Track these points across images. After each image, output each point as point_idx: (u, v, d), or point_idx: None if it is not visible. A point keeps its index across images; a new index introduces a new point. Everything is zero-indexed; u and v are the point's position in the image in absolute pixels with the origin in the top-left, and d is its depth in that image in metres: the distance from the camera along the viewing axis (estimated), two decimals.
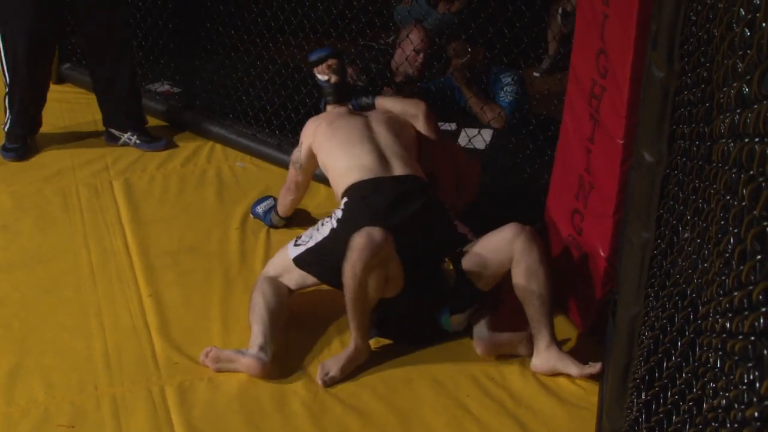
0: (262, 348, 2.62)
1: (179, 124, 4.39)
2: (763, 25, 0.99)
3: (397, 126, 3.11)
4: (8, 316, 2.88)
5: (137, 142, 4.15)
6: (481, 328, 2.77)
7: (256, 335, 2.66)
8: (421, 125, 3.20)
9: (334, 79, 3.25)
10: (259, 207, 3.52)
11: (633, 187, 1.97)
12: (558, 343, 2.67)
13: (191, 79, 4.71)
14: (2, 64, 3.94)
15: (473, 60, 4.21)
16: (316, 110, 3.95)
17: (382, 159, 2.91)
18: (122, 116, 4.15)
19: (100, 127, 4.23)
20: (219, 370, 2.64)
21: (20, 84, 3.93)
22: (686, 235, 1.58)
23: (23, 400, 2.50)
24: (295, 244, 2.87)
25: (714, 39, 1.39)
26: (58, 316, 2.89)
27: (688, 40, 1.70)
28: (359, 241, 2.54)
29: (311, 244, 2.82)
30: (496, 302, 2.85)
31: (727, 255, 1.17)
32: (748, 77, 1.07)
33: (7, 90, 4.00)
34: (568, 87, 2.89)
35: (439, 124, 4.17)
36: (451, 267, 2.74)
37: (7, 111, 4.01)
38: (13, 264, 3.19)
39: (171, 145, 4.19)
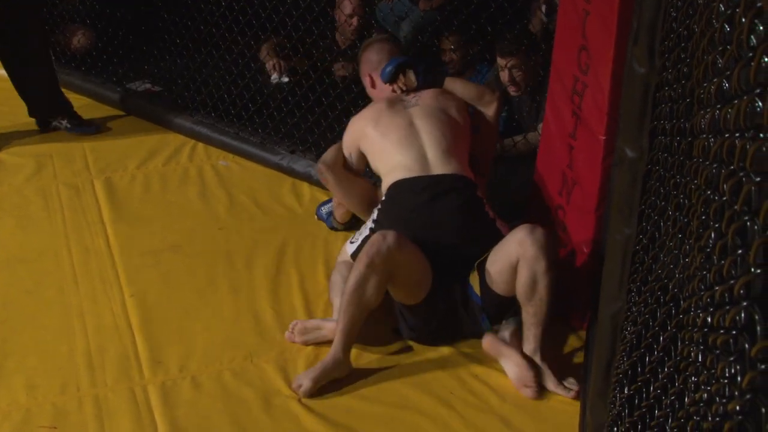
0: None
1: (160, 123, 4.37)
2: (743, 20, 0.99)
3: (444, 118, 3.02)
4: None
5: (68, 126, 4.26)
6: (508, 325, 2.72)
7: (338, 306, 2.67)
8: (492, 112, 3.18)
9: (411, 82, 3.16)
10: (323, 208, 3.47)
11: (615, 183, 1.98)
12: (543, 354, 2.61)
13: (172, 78, 4.69)
14: None
15: (467, 53, 4.23)
16: (298, 108, 3.95)
17: (422, 158, 2.89)
18: (45, 103, 4.25)
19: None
20: (306, 343, 2.73)
21: None
22: (668, 230, 1.59)
23: (4, 402, 2.48)
24: (351, 242, 2.94)
25: (694, 35, 1.40)
26: (39, 317, 2.87)
27: (668, 36, 1.71)
28: (371, 240, 2.56)
29: (359, 242, 2.86)
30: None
31: (708, 250, 1.17)
32: (728, 73, 1.08)
33: None
34: (549, 83, 2.90)
35: None
36: (476, 274, 2.70)
37: None
38: None
39: (103, 128, 4.31)
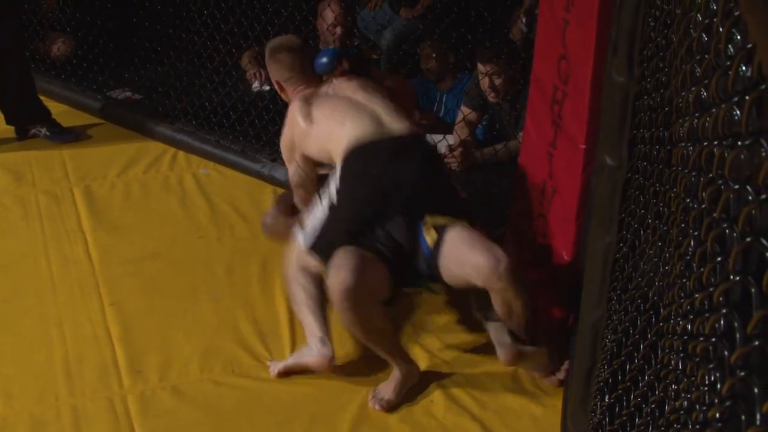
0: (322, 340, 2.61)
1: (141, 131, 4.35)
2: (720, 30, 1.00)
3: (376, 87, 2.96)
4: None
5: (47, 133, 4.24)
6: (502, 334, 2.59)
7: (312, 328, 2.64)
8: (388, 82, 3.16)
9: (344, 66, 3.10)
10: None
11: (595, 192, 1.99)
12: (536, 343, 2.58)
13: (153, 86, 4.67)
14: None
15: (446, 61, 4.25)
16: (280, 116, 3.94)
17: (376, 121, 2.77)
18: (23, 111, 4.23)
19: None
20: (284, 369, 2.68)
21: None
22: (648, 238, 1.60)
23: None
24: (301, 231, 2.77)
25: (672, 44, 1.41)
26: (17, 325, 2.85)
27: (647, 45, 1.72)
28: (334, 290, 2.39)
29: (318, 227, 2.69)
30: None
31: (687, 258, 1.18)
32: (706, 82, 1.09)
33: None
34: (530, 92, 2.90)
35: None
36: (433, 234, 2.56)
37: None
38: None
39: (82, 136, 4.29)
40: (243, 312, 2.95)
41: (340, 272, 2.39)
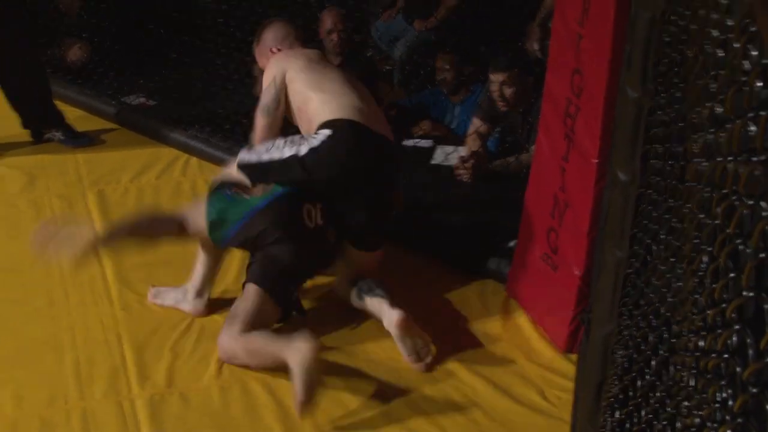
0: (198, 292, 2.96)
1: (154, 137, 4.37)
2: (736, 45, 1.00)
3: (360, 84, 3.04)
4: None
5: (61, 137, 4.28)
6: (386, 303, 2.77)
7: (195, 279, 2.96)
8: None
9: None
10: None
11: (607, 206, 1.98)
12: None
13: (167, 92, 4.69)
14: None
15: (461, 73, 4.26)
16: (290, 124, 3.96)
17: (368, 110, 2.86)
18: (39, 115, 4.28)
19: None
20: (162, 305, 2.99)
21: None
22: (660, 253, 1.60)
23: None
24: (247, 150, 2.91)
25: (687, 59, 1.41)
26: (29, 328, 2.86)
27: (661, 60, 1.72)
28: (222, 355, 2.71)
29: (265, 157, 2.80)
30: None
31: (700, 273, 1.18)
32: (721, 97, 1.09)
33: None
34: (543, 106, 2.91)
35: (415, 141, 4.22)
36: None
37: None
38: None
39: (96, 141, 4.33)
40: None
41: (222, 345, 2.68)
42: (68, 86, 4.84)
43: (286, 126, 3.03)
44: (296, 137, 2.83)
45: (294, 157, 2.74)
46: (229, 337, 2.64)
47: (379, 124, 2.88)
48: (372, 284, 2.86)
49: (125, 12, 5.01)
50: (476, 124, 3.99)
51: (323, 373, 2.49)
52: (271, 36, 3.12)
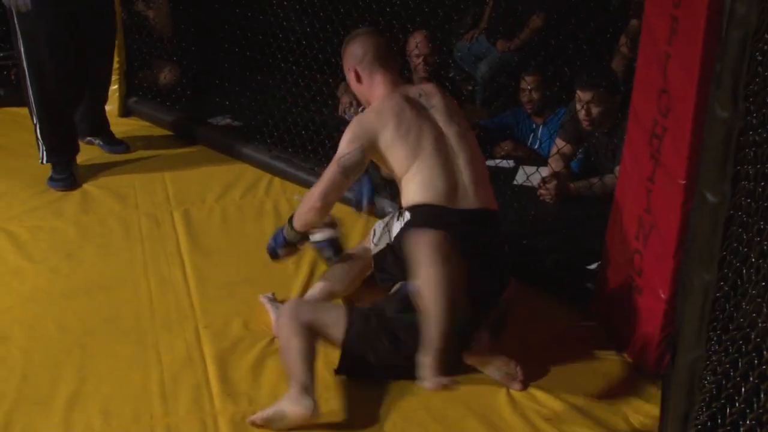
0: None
1: (239, 157, 4.47)
2: None
3: (463, 128, 2.87)
4: (69, 343, 2.92)
5: (101, 143, 4.53)
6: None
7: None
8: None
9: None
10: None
11: (694, 228, 1.94)
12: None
13: (252, 113, 4.78)
14: (29, 94, 4.07)
15: (545, 94, 4.24)
16: None
17: (455, 185, 2.75)
18: (89, 120, 4.48)
19: (154, 152, 4.59)
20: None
21: (51, 111, 4.10)
22: (751, 277, 1.55)
23: (80, 427, 2.53)
24: (374, 243, 2.92)
25: None
26: (116, 345, 2.93)
27: (753, 79, 1.68)
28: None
29: (379, 247, 2.88)
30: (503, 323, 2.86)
31: None
32: None
33: (36, 122, 4.13)
34: (628, 126, 2.86)
35: (496, 161, 4.20)
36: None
37: (40, 143, 4.15)
38: (75, 291, 3.25)
39: (132, 149, 4.56)
40: None
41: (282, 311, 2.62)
42: (157, 107, 4.99)
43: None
44: (394, 224, 2.83)
45: (389, 246, 2.83)
46: (289, 319, 2.58)
47: (468, 197, 2.76)
48: None
49: (213, 35, 5.14)
50: (559, 144, 3.96)
51: None
52: (350, 53, 2.96)
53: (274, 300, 3.11)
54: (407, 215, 2.76)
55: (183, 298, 3.22)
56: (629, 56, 4.26)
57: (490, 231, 2.83)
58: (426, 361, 2.39)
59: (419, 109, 2.86)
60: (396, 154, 2.80)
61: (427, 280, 2.48)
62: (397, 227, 2.80)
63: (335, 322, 2.66)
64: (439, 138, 2.82)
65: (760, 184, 1.54)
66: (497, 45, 5.15)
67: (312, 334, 2.61)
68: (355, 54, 2.94)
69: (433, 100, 2.91)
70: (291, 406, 2.46)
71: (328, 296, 3.00)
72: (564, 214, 3.69)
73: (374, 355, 2.67)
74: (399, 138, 2.79)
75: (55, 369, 2.78)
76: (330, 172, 2.84)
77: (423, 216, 2.71)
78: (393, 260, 2.81)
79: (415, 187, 2.77)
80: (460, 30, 5.53)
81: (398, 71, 3.00)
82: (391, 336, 2.66)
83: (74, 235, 3.68)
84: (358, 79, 2.96)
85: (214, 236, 3.70)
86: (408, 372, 2.51)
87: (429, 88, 2.98)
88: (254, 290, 3.26)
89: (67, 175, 4.14)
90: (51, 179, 4.13)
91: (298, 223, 2.95)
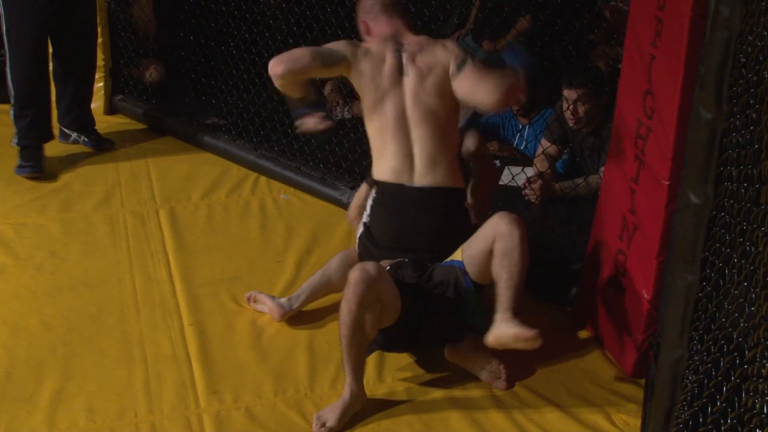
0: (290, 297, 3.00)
1: (225, 156, 4.46)
2: None
3: (435, 105, 2.83)
4: (53, 340, 2.91)
5: (86, 141, 4.52)
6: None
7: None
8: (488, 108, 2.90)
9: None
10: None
11: (678, 229, 1.95)
12: (515, 316, 2.58)
13: (238, 112, 4.77)
14: (7, 73, 4.14)
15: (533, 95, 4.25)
16: (360, 144, 3.99)
17: (409, 162, 2.80)
18: (75, 118, 4.50)
19: (139, 150, 4.58)
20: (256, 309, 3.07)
21: (28, 92, 4.15)
22: (733, 277, 1.57)
23: (64, 424, 2.53)
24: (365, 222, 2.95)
25: (764, 81, 1.39)
26: (101, 342, 2.92)
27: (737, 81, 1.69)
28: (354, 276, 2.51)
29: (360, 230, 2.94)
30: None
31: None
32: None
33: (12, 102, 4.19)
34: (613, 126, 2.88)
35: None
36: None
37: (15, 125, 4.22)
38: (59, 288, 3.24)
39: (118, 147, 4.57)
40: (317, 335, 2.98)
41: (366, 265, 2.55)
42: (141, 105, 4.97)
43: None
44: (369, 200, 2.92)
45: (365, 224, 2.90)
46: (350, 296, 2.51)
47: (424, 174, 2.80)
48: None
49: (198, 33, 5.13)
50: (544, 145, 3.97)
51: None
52: (361, 6, 3.02)
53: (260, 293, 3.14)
54: (373, 193, 2.89)
55: (168, 295, 3.21)
56: (612, 57, 4.29)
57: (446, 209, 2.84)
58: (506, 317, 2.58)
59: (398, 72, 2.85)
60: (362, 94, 2.88)
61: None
62: (368, 204, 2.90)
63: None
64: (401, 111, 2.83)
65: (743, 186, 1.55)
66: (483, 45, 5.16)
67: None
68: (365, 6, 3.03)
69: (415, 66, 2.85)
70: (353, 403, 2.59)
71: (326, 289, 3.08)
72: (548, 214, 3.71)
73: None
74: (369, 83, 2.85)
75: (39, 366, 2.78)
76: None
77: (384, 195, 2.84)
78: (367, 236, 2.88)
79: (376, 159, 2.89)
80: (447, 31, 5.53)
81: (406, 19, 3.01)
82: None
83: (59, 233, 3.66)
84: (368, 31, 3.01)
85: (199, 234, 3.69)
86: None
87: (417, 46, 2.89)
88: (239, 288, 3.26)
89: (34, 162, 4.16)
90: (19, 166, 4.16)
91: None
